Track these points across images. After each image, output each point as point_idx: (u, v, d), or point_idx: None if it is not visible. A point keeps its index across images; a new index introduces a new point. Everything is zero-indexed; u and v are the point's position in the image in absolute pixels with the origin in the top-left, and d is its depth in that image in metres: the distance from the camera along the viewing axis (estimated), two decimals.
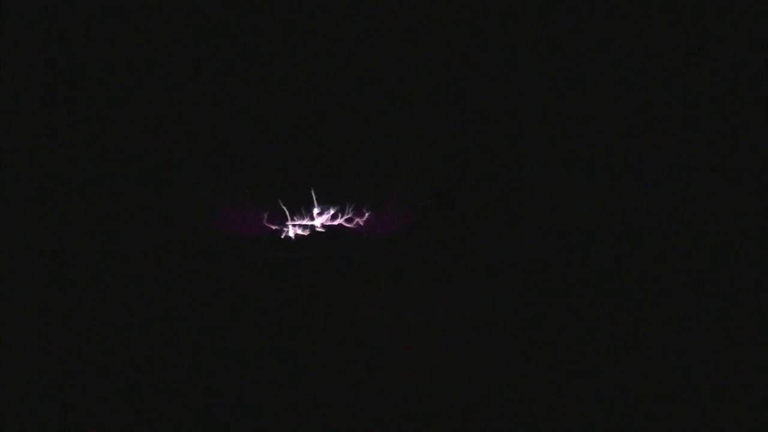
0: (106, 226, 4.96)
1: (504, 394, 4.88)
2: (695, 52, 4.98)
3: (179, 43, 5.05)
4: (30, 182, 4.80)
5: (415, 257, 4.93)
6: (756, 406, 4.81)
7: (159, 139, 5.02)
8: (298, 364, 4.91)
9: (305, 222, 4.74)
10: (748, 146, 4.95)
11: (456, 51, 5.07)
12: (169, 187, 4.99)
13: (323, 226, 4.76)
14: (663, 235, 4.92)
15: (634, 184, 4.96)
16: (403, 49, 5.06)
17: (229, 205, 4.77)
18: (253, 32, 5.09)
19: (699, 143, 4.96)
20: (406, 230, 4.80)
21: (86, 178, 4.97)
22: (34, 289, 4.79)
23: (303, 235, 4.81)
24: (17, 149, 4.79)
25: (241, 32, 5.08)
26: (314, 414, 4.85)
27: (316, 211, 4.76)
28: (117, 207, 4.97)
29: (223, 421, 4.88)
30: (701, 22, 4.98)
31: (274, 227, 4.75)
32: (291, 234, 4.74)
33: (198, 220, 4.82)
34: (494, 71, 5.06)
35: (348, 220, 4.77)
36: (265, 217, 4.75)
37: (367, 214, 4.76)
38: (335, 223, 4.77)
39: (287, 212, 4.74)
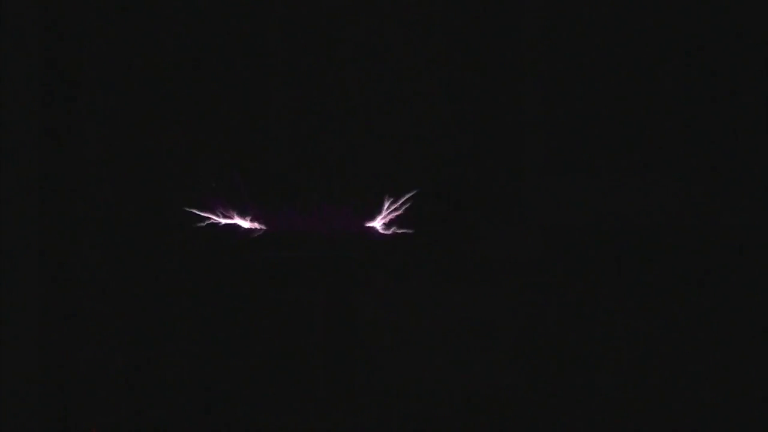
0: (106, 226, 4.96)
1: (504, 394, 4.88)
2: (696, 53, 4.98)
3: (179, 43, 5.05)
4: (30, 182, 4.81)
5: (415, 257, 4.93)
6: (756, 406, 4.81)
7: (159, 139, 5.02)
8: (298, 364, 4.91)
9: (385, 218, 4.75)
10: (748, 146, 4.94)
11: (456, 51, 5.07)
12: (169, 187, 4.99)
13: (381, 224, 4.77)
14: (663, 234, 4.92)
15: (634, 184, 4.96)
16: (403, 49, 5.06)
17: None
18: (253, 32, 5.09)
19: (699, 143, 4.96)
20: (406, 230, 4.79)
21: (86, 178, 4.97)
22: (34, 289, 4.79)
23: (303, 236, 4.81)
24: (17, 149, 4.79)
25: (241, 32, 5.08)
26: (314, 414, 4.86)
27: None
28: (117, 207, 4.97)
29: (223, 421, 4.88)
30: (701, 22, 4.98)
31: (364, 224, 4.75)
32: (380, 229, 4.75)
33: (197, 221, 4.81)
34: (494, 71, 5.06)
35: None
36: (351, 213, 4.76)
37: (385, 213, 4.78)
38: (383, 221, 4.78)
39: (385, 205, 4.75)
